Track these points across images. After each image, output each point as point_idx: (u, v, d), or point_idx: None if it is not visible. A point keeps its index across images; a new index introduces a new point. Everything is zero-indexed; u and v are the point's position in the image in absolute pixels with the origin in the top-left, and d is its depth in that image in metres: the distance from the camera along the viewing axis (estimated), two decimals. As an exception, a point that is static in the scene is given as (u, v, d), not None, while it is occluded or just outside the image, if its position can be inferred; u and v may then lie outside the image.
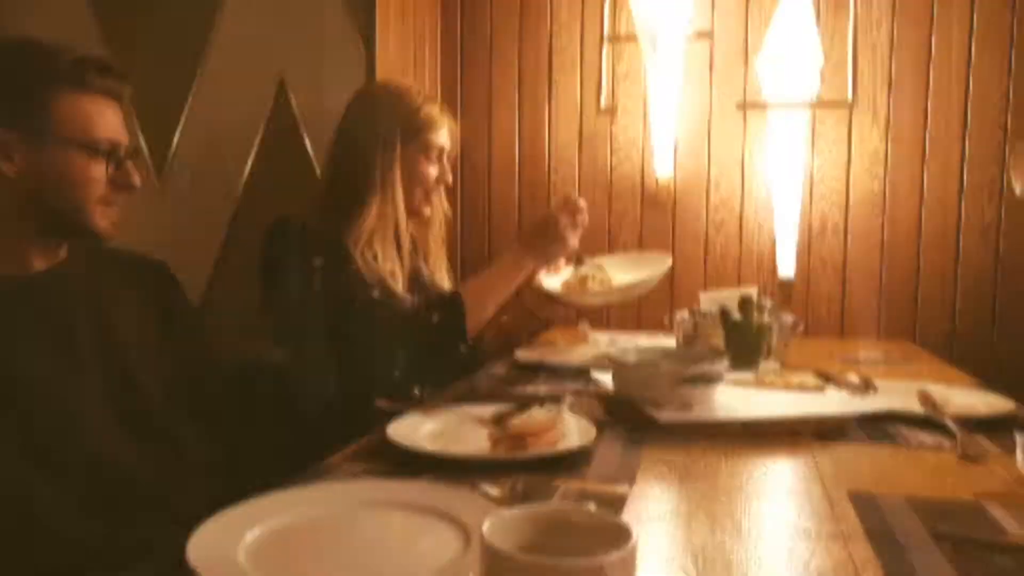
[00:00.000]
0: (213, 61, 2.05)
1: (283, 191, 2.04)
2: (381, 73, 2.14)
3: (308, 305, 1.56)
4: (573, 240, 1.67)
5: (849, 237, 2.40)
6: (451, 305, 1.61)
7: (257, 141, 2.09)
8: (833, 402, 1.31)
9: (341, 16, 2.14)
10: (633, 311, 2.44)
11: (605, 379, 1.42)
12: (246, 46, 2.07)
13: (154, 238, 1.74)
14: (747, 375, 1.43)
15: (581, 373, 1.57)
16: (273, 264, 1.60)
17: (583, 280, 1.79)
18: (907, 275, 2.36)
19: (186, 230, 2.02)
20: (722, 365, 1.26)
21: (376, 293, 1.59)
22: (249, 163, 2.10)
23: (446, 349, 1.62)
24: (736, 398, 1.27)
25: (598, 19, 2.50)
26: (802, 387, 1.38)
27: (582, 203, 1.68)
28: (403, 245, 1.69)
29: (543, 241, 1.68)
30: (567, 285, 1.79)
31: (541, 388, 1.47)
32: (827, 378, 1.44)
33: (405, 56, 2.35)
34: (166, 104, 2.02)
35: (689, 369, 1.23)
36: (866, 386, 1.39)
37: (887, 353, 1.95)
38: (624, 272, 1.81)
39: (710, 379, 1.23)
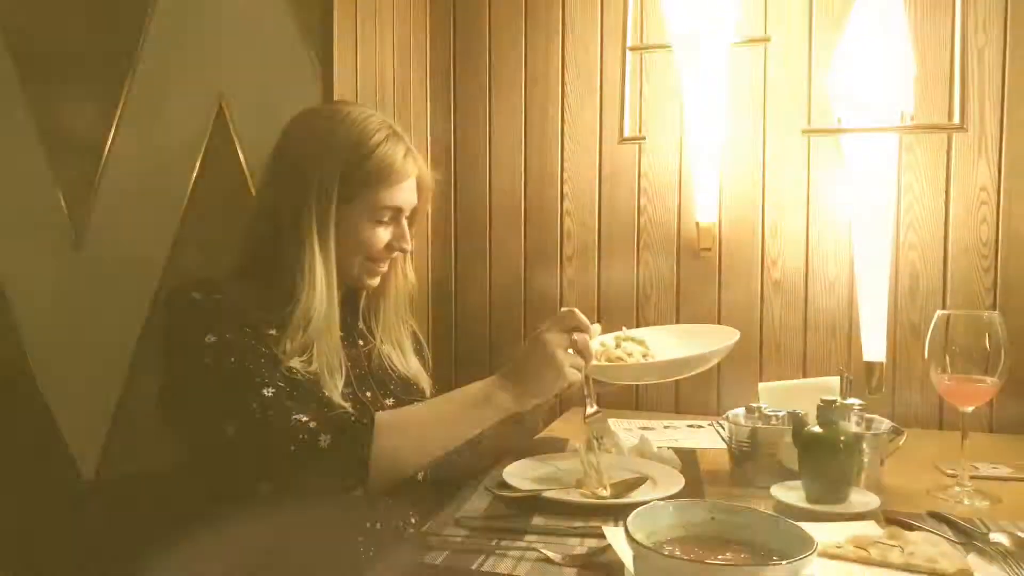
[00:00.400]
0: (140, 86, 1.84)
1: (222, 233, 1.67)
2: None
3: (198, 390, 1.24)
4: (571, 373, 1.28)
5: (948, 298, 1.88)
6: (352, 429, 1.20)
7: (193, 177, 1.83)
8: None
9: (290, 29, 1.79)
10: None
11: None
12: (178, 66, 1.84)
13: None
14: (833, 508, 1.18)
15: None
16: (166, 343, 1.30)
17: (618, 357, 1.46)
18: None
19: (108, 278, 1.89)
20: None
21: (270, 391, 1.20)
22: (183, 205, 1.84)
23: (333, 484, 1.20)
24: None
25: (619, 24, 2.06)
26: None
27: (581, 320, 1.30)
28: (352, 326, 1.45)
29: (527, 374, 1.28)
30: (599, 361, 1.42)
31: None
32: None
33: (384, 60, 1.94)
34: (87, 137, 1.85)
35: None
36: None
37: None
38: (673, 349, 1.48)
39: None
